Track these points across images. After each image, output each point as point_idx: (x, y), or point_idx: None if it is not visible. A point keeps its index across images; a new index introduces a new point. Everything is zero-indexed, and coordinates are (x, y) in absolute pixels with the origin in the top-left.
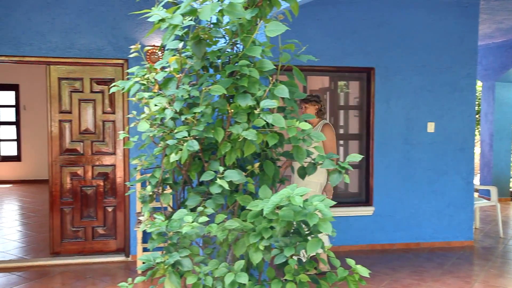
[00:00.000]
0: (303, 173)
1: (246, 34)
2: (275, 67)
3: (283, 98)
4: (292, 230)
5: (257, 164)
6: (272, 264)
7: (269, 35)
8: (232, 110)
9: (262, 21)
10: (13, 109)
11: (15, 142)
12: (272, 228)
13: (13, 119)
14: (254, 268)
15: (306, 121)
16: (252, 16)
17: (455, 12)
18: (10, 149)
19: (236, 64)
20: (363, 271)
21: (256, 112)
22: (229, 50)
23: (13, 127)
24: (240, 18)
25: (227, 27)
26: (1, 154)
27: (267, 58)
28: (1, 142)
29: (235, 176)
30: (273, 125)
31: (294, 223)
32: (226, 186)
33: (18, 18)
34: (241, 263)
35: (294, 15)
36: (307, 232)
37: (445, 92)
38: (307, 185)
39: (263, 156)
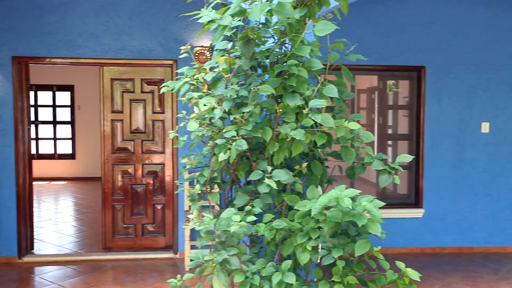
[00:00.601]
0: (351, 173)
1: (295, 34)
2: (323, 66)
3: (331, 98)
4: (340, 231)
5: (305, 164)
6: (319, 264)
7: (318, 34)
8: (281, 110)
9: (310, 20)
10: (69, 109)
11: (70, 141)
12: (319, 228)
13: (68, 119)
14: (301, 268)
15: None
16: (301, 16)
17: None
18: (66, 148)
19: (285, 64)
20: (414, 275)
21: (304, 111)
22: (277, 49)
23: (68, 126)
24: (289, 18)
25: (276, 26)
26: (57, 152)
27: (316, 57)
28: (58, 140)
29: (283, 175)
30: (321, 125)
31: (342, 223)
32: (274, 185)
33: (74, 21)
34: (288, 263)
35: (344, 14)
36: (355, 233)
37: (502, 91)
38: None
39: (310, 156)
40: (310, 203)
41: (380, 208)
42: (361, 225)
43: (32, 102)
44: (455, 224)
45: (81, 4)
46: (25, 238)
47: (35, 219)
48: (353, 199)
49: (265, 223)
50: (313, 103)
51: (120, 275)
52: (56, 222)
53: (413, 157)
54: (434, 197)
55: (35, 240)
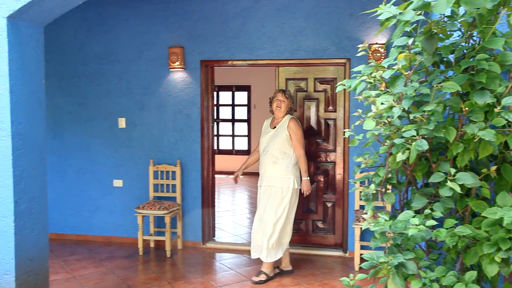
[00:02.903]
0: None
1: (486, 25)
2: None
3: None
4: None
5: (493, 167)
6: (509, 279)
7: None
8: (467, 108)
9: (505, 9)
10: (245, 107)
11: (246, 138)
12: (511, 239)
13: (245, 117)
14: (486, 281)
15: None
16: (493, 5)
17: None
18: (242, 144)
19: (472, 59)
20: None
21: (495, 110)
22: (463, 43)
23: (245, 124)
24: (479, 8)
25: (463, 18)
26: (235, 148)
27: (510, 50)
28: (235, 137)
29: (469, 179)
30: None
31: None
32: (458, 189)
33: (253, 25)
34: (473, 274)
35: None
36: None
37: None
38: (271, 180)
39: (500, 159)
40: (502, 210)
41: None
42: None
43: (214, 101)
44: None
45: (260, 8)
46: (208, 226)
47: (216, 209)
48: None
49: (447, 229)
50: (507, 100)
51: None
52: (233, 213)
53: None
54: None
55: (216, 228)
